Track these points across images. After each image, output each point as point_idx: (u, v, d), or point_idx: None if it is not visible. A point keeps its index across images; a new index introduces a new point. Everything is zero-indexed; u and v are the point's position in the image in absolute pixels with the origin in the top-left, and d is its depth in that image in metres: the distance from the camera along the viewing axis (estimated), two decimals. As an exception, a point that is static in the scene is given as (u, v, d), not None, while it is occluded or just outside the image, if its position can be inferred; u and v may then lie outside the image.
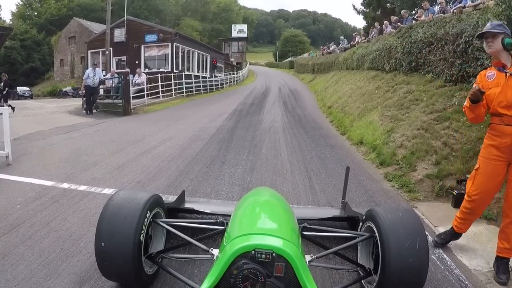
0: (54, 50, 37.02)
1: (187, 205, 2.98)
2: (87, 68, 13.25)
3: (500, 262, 2.48)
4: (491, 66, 2.58)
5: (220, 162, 5.26)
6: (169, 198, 3.32)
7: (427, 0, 10.05)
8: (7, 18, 51.68)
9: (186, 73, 19.52)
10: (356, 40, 16.56)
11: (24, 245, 2.61)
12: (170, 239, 2.55)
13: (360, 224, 2.33)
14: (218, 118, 9.90)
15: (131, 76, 12.52)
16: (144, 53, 20.28)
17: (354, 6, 26.30)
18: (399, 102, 7.09)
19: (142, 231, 1.95)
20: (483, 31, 2.52)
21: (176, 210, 2.87)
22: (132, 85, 12.18)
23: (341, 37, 22.39)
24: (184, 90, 17.44)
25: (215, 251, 1.83)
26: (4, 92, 13.24)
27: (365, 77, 11.00)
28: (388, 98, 7.77)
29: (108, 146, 6.26)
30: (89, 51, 22.68)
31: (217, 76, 24.65)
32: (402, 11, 11.58)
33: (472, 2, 7.13)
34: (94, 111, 11.66)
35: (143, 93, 13.32)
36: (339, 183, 4.15)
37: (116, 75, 12.53)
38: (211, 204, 3.48)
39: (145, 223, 1.98)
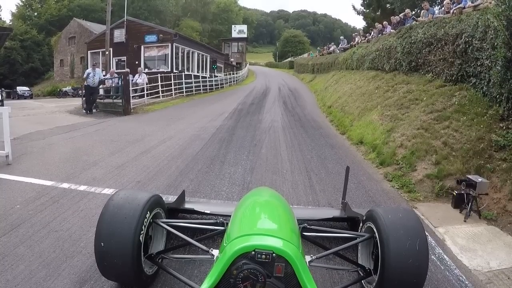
0: (54, 51, 36.94)
1: (187, 206, 2.98)
2: (87, 68, 13.24)
3: None
4: None
5: (220, 162, 5.26)
6: (169, 198, 3.32)
7: (427, 0, 10.01)
8: (7, 18, 51.56)
9: (186, 73, 19.51)
10: (356, 40, 16.54)
11: (24, 245, 2.61)
12: (170, 240, 2.55)
13: (361, 224, 2.33)
14: (218, 118, 9.89)
15: (130, 76, 12.51)
16: (144, 54, 20.26)
17: (354, 7, 26.27)
18: (399, 101, 7.10)
19: (142, 232, 1.95)
20: None
21: (176, 211, 2.86)
22: (131, 85, 12.17)
23: (341, 37, 22.37)
24: (184, 90, 17.45)
25: (215, 252, 1.82)
26: None
27: (365, 77, 11.00)
28: (388, 98, 7.77)
29: (108, 145, 6.26)
30: (89, 52, 22.67)
31: (217, 76, 24.64)
32: (406, 10, 11.52)
33: (472, 2, 7.11)
34: (94, 110, 11.64)
35: (143, 93, 13.33)
36: (339, 183, 4.15)
37: (116, 75, 12.53)
38: (211, 204, 3.48)
39: (145, 224, 1.98)
